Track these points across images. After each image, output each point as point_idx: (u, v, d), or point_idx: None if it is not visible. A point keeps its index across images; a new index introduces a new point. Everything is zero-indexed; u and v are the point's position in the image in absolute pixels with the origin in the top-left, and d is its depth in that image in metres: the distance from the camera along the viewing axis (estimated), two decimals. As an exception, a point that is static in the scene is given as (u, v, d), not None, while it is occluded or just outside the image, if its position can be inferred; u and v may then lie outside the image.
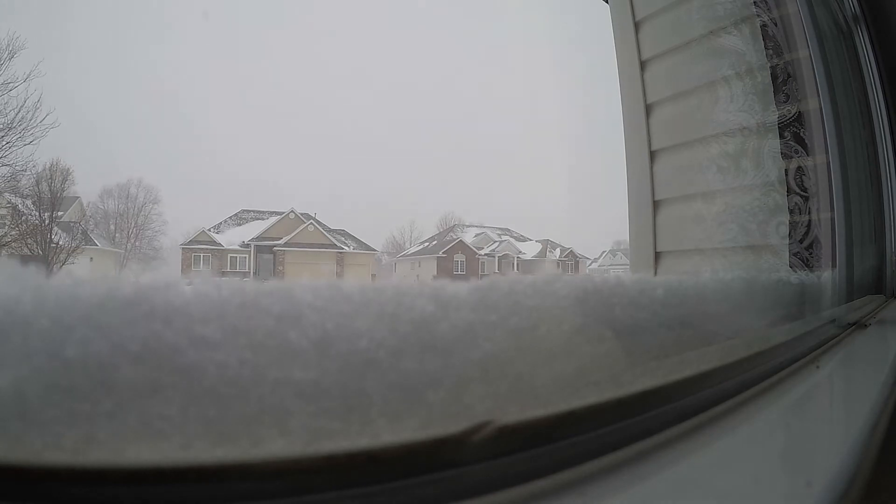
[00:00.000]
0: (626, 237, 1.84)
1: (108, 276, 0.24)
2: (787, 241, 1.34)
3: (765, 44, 1.43)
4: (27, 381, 0.22)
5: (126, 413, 0.23)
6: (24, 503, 0.21)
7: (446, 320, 0.30)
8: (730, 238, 1.49)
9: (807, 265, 1.26)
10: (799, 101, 1.35)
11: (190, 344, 0.24)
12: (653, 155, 1.75)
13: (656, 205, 1.73)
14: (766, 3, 1.43)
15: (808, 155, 1.33)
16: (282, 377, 0.25)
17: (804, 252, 1.30)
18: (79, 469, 0.21)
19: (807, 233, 1.31)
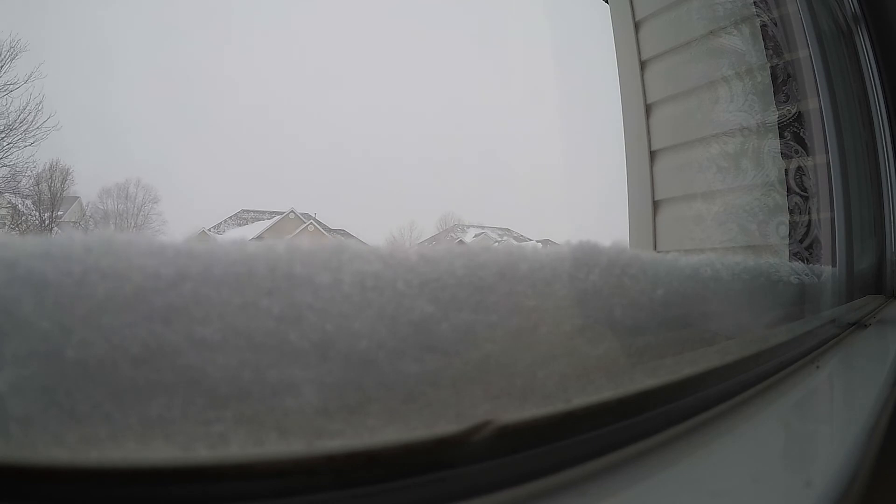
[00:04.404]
0: (626, 237, 1.85)
1: (109, 273, 0.24)
2: (787, 241, 1.34)
3: (765, 44, 1.43)
4: (27, 382, 0.22)
5: (126, 414, 0.23)
6: (24, 503, 0.21)
7: (446, 321, 0.30)
8: (730, 238, 1.49)
9: (807, 265, 1.26)
10: (799, 101, 1.35)
11: (190, 345, 0.24)
12: (653, 155, 1.75)
13: (656, 205, 1.73)
14: (766, 3, 1.43)
15: (808, 155, 1.33)
16: (282, 378, 0.25)
17: (804, 252, 1.30)
18: (79, 469, 0.21)
19: (807, 233, 1.31)
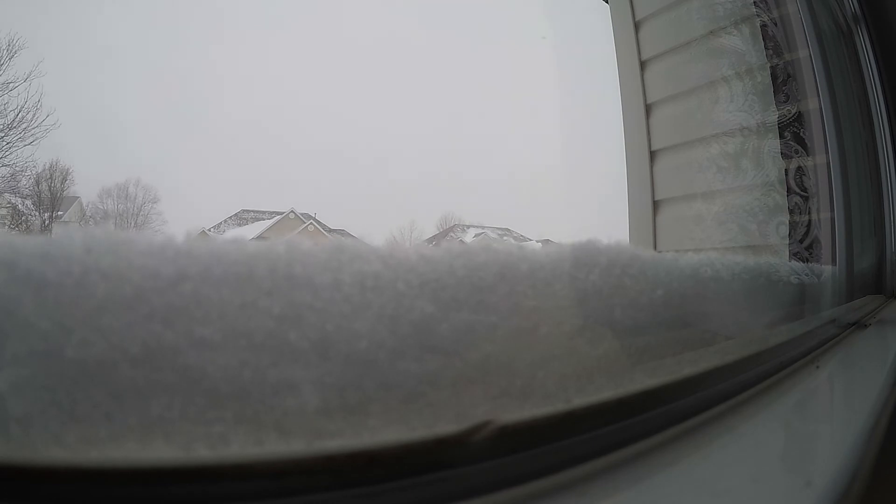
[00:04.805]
0: (626, 237, 1.85)
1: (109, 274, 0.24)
2: (787, 241, 1.34)
3: (765, 44, 1.43)
4: (27, 382, 0.22)
5: (126, 414, 0.23)
6: (24, 503, 0.21)
7: (446, 321, 0.30)
8: (730, 238, 1.49)
9: (807, 265, 1.26)
10: (799, 101, 1.35)
11: (190, 345, 0.24)
12: (653, 155, 1.75)
13: (656, 205, 1.73)
14: (766, 3, 1.43)
15: (808, 155, 1.33)
16: (282, 378, 0.25)
17: (804, 252, 1.30)
18: (79, 469, 0.21)
19: (807, 233, 1.31)
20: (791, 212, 1.34)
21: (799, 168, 1.34)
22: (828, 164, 1.24)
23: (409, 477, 0.25)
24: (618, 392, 0.35)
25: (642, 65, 1.78)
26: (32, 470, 0.21)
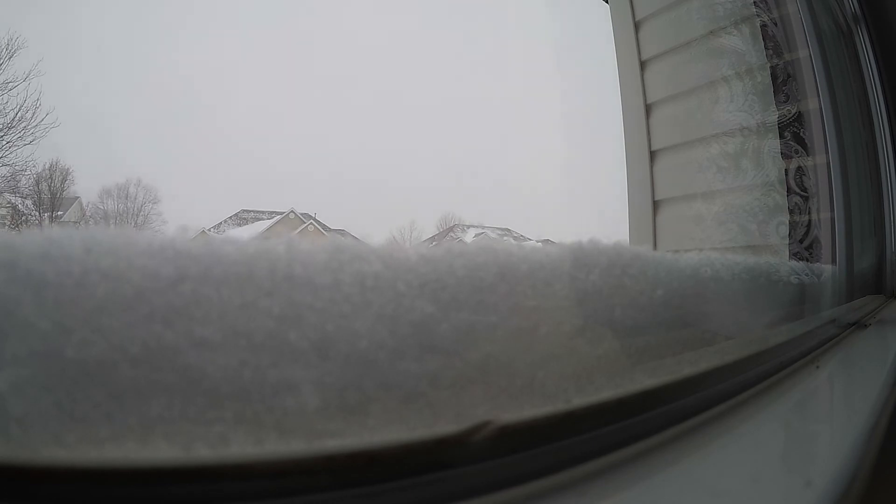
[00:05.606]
0: (626, 237, 1.85)
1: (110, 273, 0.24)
2: (787, 242, 1.34)
3: (765, 44, 1.43)
4: (27, 382, 0.22)
5: (126, 414, 0.23)
6: (23, 503, 0.21)
7: (446, 321, 0.30)
8: (730, 238, 1.49)
9: (807, 265, 1.26)
10: (799, 101, 1.35)
11: (190, 345, 0.24)
12: (653, 155, 1.75)
13: (656, 205, 1.73)
14: (766, 3, 1.43)
15: (808, 155, 1.33)
16: (282, 378, 0.25)
17: (804, 252, 1.30)
18: (79, 469, 0.21)
19: (807, 233, 1.31)
20: (791, 212, 1.34)
21: (799, 168, 1.34)
22: (828, 164, 1.24)
23: (409, 477, 0.25)
24: (618, 392, 0.35)
25: (642, 65, 1.78)
26: (32, 470, 0.21)
